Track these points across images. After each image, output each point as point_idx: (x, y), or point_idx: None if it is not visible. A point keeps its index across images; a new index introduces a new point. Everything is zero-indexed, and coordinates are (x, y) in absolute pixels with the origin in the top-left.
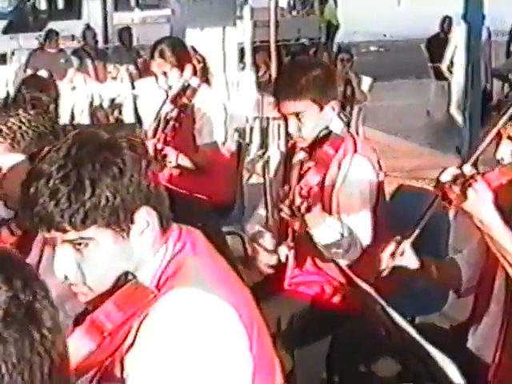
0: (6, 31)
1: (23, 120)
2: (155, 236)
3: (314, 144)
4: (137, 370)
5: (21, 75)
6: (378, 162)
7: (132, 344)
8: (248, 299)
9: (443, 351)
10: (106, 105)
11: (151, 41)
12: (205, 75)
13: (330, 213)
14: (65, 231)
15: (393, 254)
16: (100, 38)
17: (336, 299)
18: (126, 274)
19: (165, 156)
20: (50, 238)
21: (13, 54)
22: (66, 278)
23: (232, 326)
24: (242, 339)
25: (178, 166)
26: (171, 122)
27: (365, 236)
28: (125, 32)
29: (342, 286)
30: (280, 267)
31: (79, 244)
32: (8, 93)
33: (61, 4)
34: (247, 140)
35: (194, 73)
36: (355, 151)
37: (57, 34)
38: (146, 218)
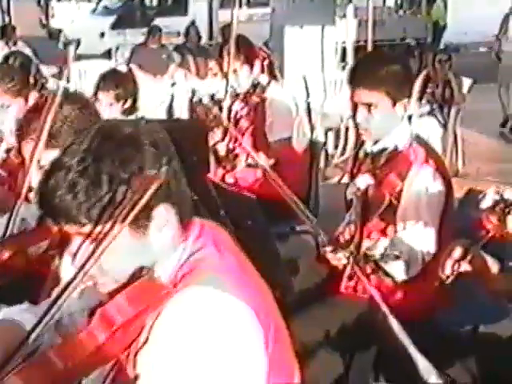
0: (114, 27)
1: (60, 117)
2: (174, 233)
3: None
4: (149, 368)
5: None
6: (446, 171)
7: (145, 341)
8: (267, 299)
9: (505, 361)
10: (205, 100)
11: (253, 38)
12: (272, 71)
13: (394, 224)
14: (82, 225)
15: (459, 260)
16: (204, 34)
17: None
18: (142, 268)
19: (236, 155)
20: (68, 231)
21: (117, 49)
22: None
23: (246, 326)
24: (257, 339)
25: (249, 166)
26: (243, 120)
27: (429, 249)
28: (227, 29)
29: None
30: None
31: (95, 238)
32: None
33: (168, 0)
34: (342, 140)
35: (262, 70)
36: (424, 162)
37: (160, 29)
38: (164, 215)
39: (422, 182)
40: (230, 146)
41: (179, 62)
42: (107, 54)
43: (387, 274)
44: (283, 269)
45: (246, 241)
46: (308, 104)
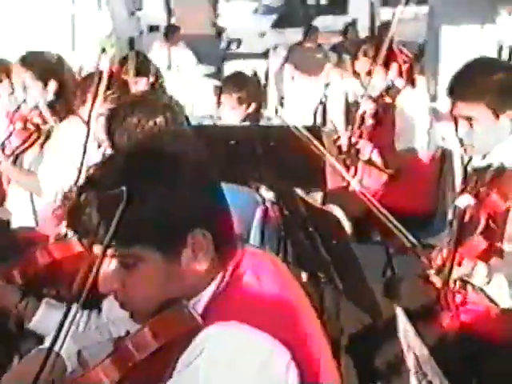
0: (274, 25)
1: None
2: (210, 261)
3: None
4: None
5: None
6: None
7: (170, 376)
8: (310, 332)
9: None
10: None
11: (408, 38)
12: (411, 76)
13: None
14: (109, 246)
15: None
16: (364, 33)
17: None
18: (173, 298)
19: (358, 150)
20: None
21: (275, 48)
22: (110, 293)
23: (277, 366)
24: (285, 377)
25: (370, 162)
26: (370, 120)
27: None
28: (384, 28)
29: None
30: None
31: (125, 261)
32: None
33: None
34: None
35: (400, 73)
36: None
37: (316, 29)
38: (200, 241)
39: None
40: (353, 139)
41: (335, 61)
42: (265, 54)
43: (492, 301)
44: (371, 290)
45: (332, 260)
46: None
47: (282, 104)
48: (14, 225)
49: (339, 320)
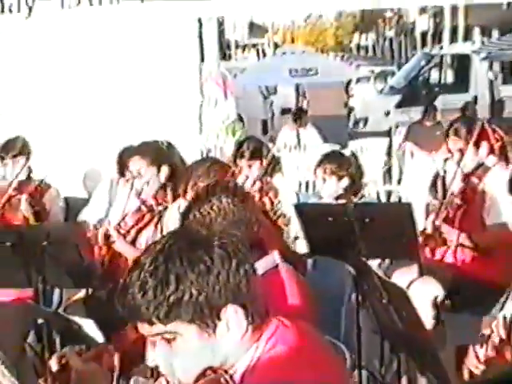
0: (398, 105)
1: (214, 208)
2: (243, 333)
3: None
4: None
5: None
6: None
7: None
8: None
9: None
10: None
11: None
12: (504, 153)
13: None
14: (150, 323)
15: None
16: (485, 111)
17: None
18: (211, 368)
19: (441, 234)
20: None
21: (397, 127)
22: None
23: None
24: None
25: (460, 245)
26: (456, 200)
27: None
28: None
29: None
30: None
31: (167, 338)
32: None
33: (450, 78)
34: None
35: (492, 150)
36: None
37: (435, 108)
38: (233, 316)
39: None
40: (437, 223)
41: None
42: (387, 133)
43: None
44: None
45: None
46: None
47: (399, 180)
48: None
49: None
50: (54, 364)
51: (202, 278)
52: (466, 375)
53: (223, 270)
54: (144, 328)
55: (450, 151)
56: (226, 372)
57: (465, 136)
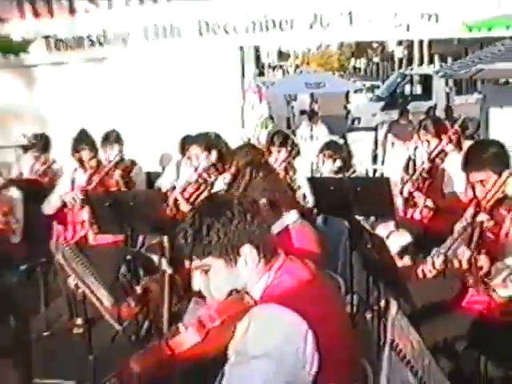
0: (383, 109)
1: (246, 180)
2: (257, 265)
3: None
4: (234, 356)
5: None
6: None
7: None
8: (324, 315)
9: None
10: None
11: (471, 115)
12: (459, 144)
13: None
14: (191, 259)
15: None
16: (442, 113)
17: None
18: (235, 290)
19: (413, 198)
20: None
21: (382, 124)
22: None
23: (297, 331)
24: (303, 341)
25: (426, 206)
26: (424, 175)
27: None
28: (450, 110)
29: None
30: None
31: (204, 269)
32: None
33: (418, 90)
34: None
35: (450, 141)
36: None
37: (408, 111)
38: (248, 252)
39: None
40: (411, 190)
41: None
42: (375, 128)
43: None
44: (406, 288)
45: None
46: None
47: (383, 161)
48: None
49: None
50: (138, 289)
51: (225, 226)
52: (420, 275)
53: (241, 221)
54: (188, 264)
55: (421, 141)
56: (246, 292)
57: (431, 131)
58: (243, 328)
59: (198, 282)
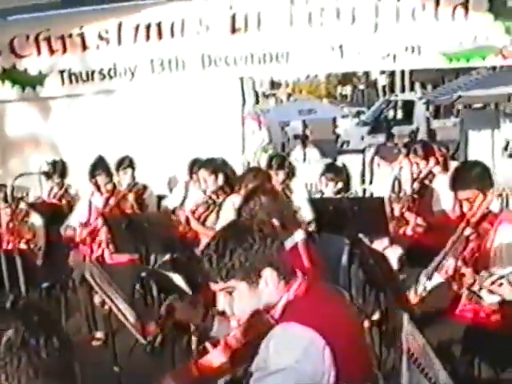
0: (369, 133)
1: (257, 203)
2: (277, 286)
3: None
4: (256, 372)
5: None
6: None
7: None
8: (339, 330)
9: None
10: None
11: (451, 137)
12: (445, 166)
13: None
14: (216, 282)
15: None
16: (423, 136)
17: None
18: (257, 310)
19: (405, 217)
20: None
21: (369, 146)
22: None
23: (315, 348)
24: (321, 356)
25: (417, 224)
26: (414, 195)
27: None
28: (433, 132)
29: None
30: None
31: (228, 291)
32: None
33: (400, 115)
34: None
35: (437, 163)
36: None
37: (393, 135)
38: (269, 275)
39: (503, 234)
40: (403, 210)
41: (405, 153)
42: (362, 151)
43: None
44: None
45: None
46: None
47: (371, 181)
48: None
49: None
50: (163, 310)
51: (247, 251)
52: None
53: (261, 246)
54: (212, 286)
55: (411, 163)
56: (267, 312)
57: (420, 154)
58: (265, 346)
59: (222, 302)
